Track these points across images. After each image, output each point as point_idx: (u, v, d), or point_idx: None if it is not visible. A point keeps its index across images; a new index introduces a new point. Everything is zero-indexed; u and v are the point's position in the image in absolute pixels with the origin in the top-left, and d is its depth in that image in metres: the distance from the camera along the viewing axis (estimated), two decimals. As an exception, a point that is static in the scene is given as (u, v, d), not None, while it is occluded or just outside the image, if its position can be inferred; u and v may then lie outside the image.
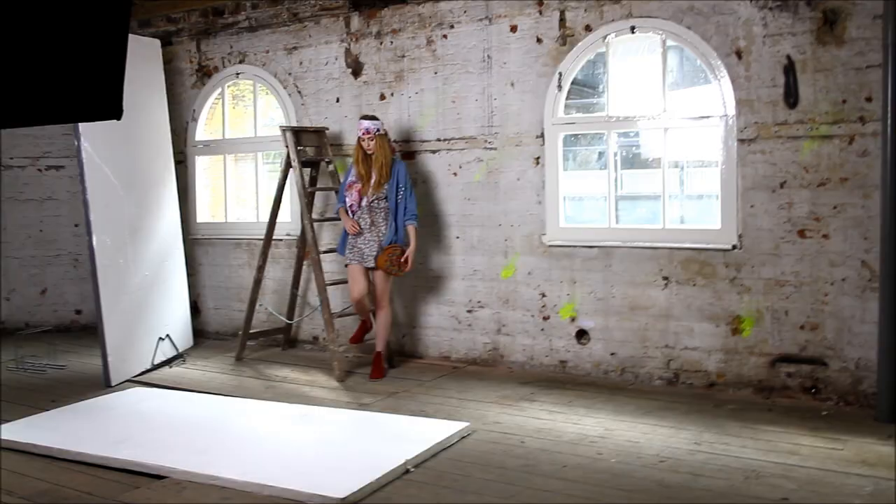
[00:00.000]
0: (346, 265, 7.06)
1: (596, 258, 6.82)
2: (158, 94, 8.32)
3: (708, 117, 6.36)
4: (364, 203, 6.90)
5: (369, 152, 6.87)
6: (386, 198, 6.89)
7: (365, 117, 6.97)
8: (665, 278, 6.55)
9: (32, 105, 2.51)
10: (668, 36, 6.48)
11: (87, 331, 9.33)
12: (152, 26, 9.10)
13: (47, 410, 6.18)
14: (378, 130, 6.87)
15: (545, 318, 7.07)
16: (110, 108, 2.62)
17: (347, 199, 6.95)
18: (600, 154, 7.54)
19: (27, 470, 5.00)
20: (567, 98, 6.97)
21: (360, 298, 6.96)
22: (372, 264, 6.88)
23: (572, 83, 6.96)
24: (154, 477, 4.82)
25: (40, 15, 2.43)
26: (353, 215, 6.93)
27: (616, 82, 6.81)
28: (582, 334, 6.94)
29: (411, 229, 6.93)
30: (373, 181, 6.86)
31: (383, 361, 7.11)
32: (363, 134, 6.87)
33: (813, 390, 6.05)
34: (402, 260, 6.86)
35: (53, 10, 2.44)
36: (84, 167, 6.99)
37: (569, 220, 7.15)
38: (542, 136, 7.00)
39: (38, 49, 2.45)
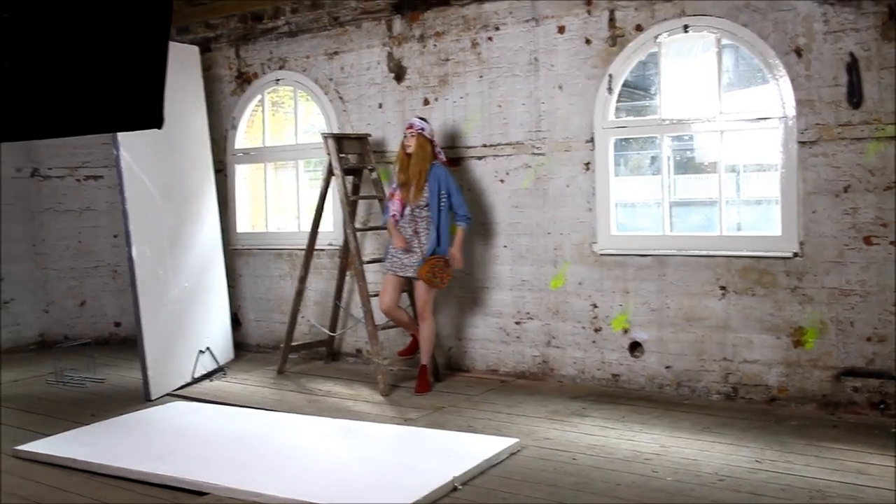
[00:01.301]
0: (383, 273, 7.10)
1: (649, 267, 6.77)
2: (197, 101, 8.43)
3: (766, 119, 6.29)
4: (406, 212, 6.92)
5: (408, 151, 6.90)
6: (427, 205, 6.90)
7: (419, 117, 7.03)
8: (722, 288, 6.49)
9: (73, 115, 2.56)
10: (722, 34, 6.43)
11: (127, 343, 9.46)
12: (191, 32, 9.22)
13: (87, 425, 6.26)
14: (422, 130, 6.89)
15: (597, 330, 7.03)
16: (151, 117, 2.66)
17: (391, 209, 6.97)
18: (653, 158, 7.51)
19: (66, 485, 5.08)
20: (618, 101, 6.94)
21: (386, 310, 7.01)
22: (411, 274, 6.90)
23: (623, 85, 6.93)
24: (195, 493, 4.87)
25: (80, 24, 2.47)
26: (397, 225, 6.96)
27: (669, 84, 6.77)
28: (635, 347, 6.89)
29: (459, 230, 6.95)
30: (412, 188, 6.89)
31: (429, 375, 7.12)
32: (406, 129, 6.92)
33: (881, 405, 5.94)
34: (446, 269, 6.87)
35: (93, 18, 2.49)
36: (123, 177, 7.10)
37: (621, 227, 7.11)
38: (591, 140, 6.98)
39: (79, 58, 2.50)
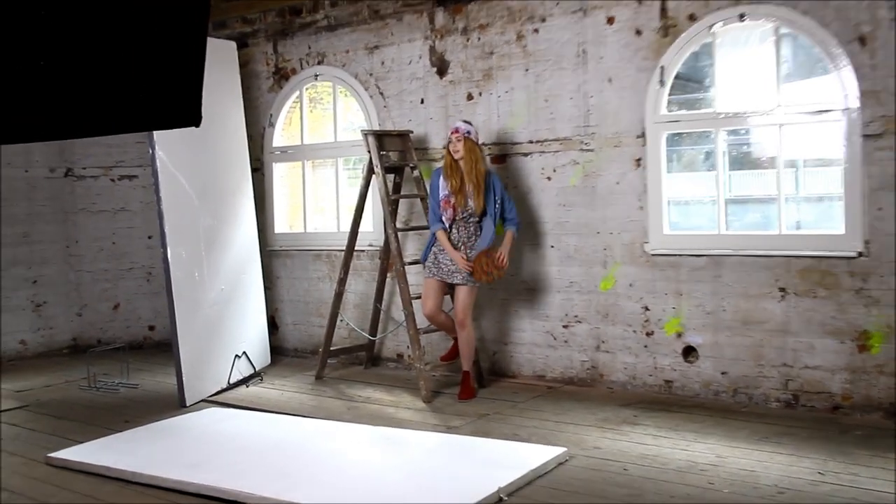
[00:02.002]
0: (425, 277, 7.12)
1: (704, 268, 6.72)
2: (234, 98, 8.51)
3: (828, 111, 6.21)
4: (457, 218, 6.94)
5: (456, 156, 6.90)
6: (483, 213, 6.91)
7: (464, 121, 7.06)
8: (782, 290, 6.42)
9: (110, 114, 2.60)
10: (781, 23, 6.36)
11: (161, 348, 9.57)
12: (227, 28, 9.31)
13: (120, 431, 6.34)
14: (469, 133, 6.90)
15: (649, 334, 7.00)
16: (189, 115, 2.69)
17: (443, 217, 6.96)
18: (707, 154, 7.45)
19: (99, 493, 5.14)
20: (670, 94, 6.90)
21: (430, 315, 7.02)
22: (458, 280, 6.89)
23: (675, 78, 6.88)
24: (232, 503, 4.91)
25: (118, 21, 2.51)
26: (449, 236, 6.98)
27: (724, 75, 6.71)
28: (689, 351, 6.84)
29: (509, 234, 6.97)
30: (468, 191, 6.88)
31: (472, 381, 7.12)
32: (452, 133, 6.91)
33: (952, 414, 5.84)
34: (498, 260, 6.87)
35: (131, 15, 2.52)
36: (158, 176, 7.19)
37: (674, 226, 7.06)
38: (643, 135, 6.94)
39: (116, 56, 2.53)
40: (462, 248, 6.92)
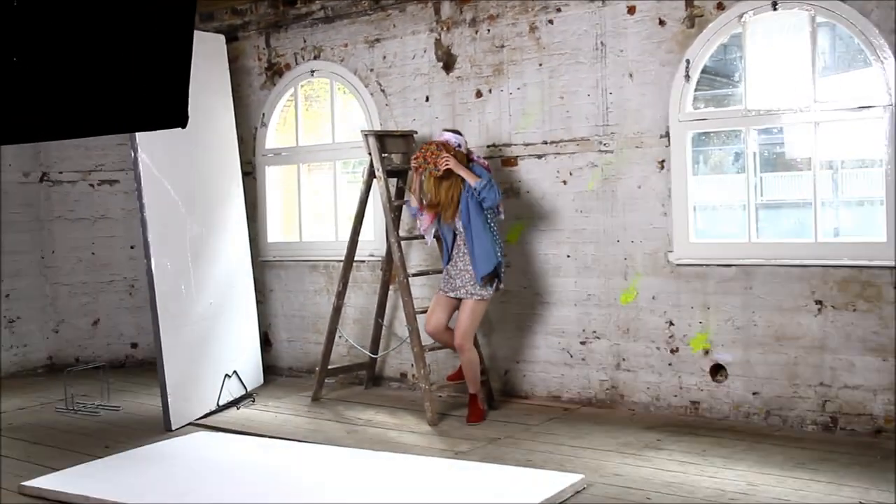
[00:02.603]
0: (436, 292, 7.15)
1: (733, 279, 6.73)
2: (223, 96, 8.54)
3: (868, 108, 6.23)
4: (443, 228, 6.98)
5: (439, 174, 6.85)
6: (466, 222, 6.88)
7: (448, 129, 7.11)
8: (818, 302, 6.43)
9: (90, 114, 2.61)
10: (817, 11, 6.38)
11: (145, 367, 9.59)
12: (215, 20, 9.35)
13: (101, 458, 6.35)
14: (459, 146, 6.91)
15: (673, 351, 7.00)
16: (175, 115, 2.70)
17: (420, 222, 7.05)
18: (737, 155, 7.46)
19: (81, 525, 5.17)
20: (696, 90, 6.91)
21: (433, 332, 7.04)
22: (461, 294, 6.90)
23: (702, 72, 6.90)
24: (222, 535, 4.93)
25: (98, 15, 2.52)
26: (445, 243, 7.00)
27: (755, 69, 6.73)
28: (718, 370, 6.84)
29: (474, 176, 6.77)
30: (447, 210, 6.91)
31: (481, 402, 7.13)
32: (440, 144, 6.89)
33: None
34: (441, 160, 6.77)
35: (112, 8, 2.54)
36: (141, 181, 7.22)
37: (700, 234, 7.07)
38: (666, 135, 6.96)
39: (96, 52, 2.55)
40: (463, 257, 6.89)
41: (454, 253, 6.96)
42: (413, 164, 6.95)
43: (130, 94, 2.70)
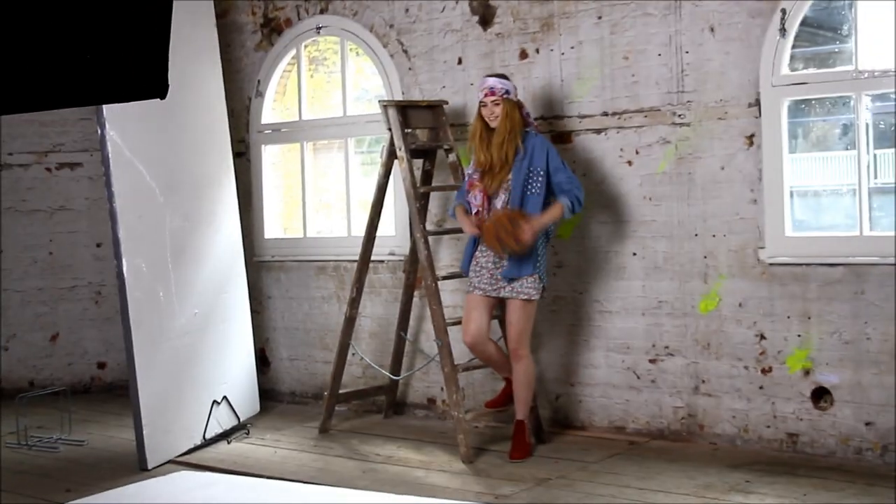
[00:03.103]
0: (467, 292, 7.18)
1: (841, 281, 6.72)
2: (210, 60, 8.57)
3: None
4: (499, 205, 6.99)
5: (492, 123, 6.97)
6: (511, 192, 6.94)
7: (491, 75, 7.11)
8: (946, 310, 6.42)
9: (51, 83, 2.63)
10: (944, -49, 6.36)
11: (115, 392, 9.67)
12: (199, -35, 9.42)
13: None
14: (507, 93, 6.97)
15: (765, 371, 7.00)
16: (152, 83, 2.72)
17: (473, 202, 7.03)
18: (845, 128, 7.45)
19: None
20: (794, 46, 6.90)
21: (473, 343, 7.05)
22: (506, 293, 6.93)
23: (802, 24, 6.89)
24: None
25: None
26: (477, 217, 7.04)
27: (868, 21, 6.70)
28: (821, 394, 6.83)
29: (557, 206, 6.88)
30: (498, 174, 6.95)
31: (528, 434, 7.17)
32: (486, 94, 6.96)
33: None
34: (519, 231, 6.73)
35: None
36: (110, 164, 7.25)
37: (798, 225, 7.06)
38: (756, 103, 6.95)
39: (60, 11, 2.57)
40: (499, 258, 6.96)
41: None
42: (485, 242, 6.90)
43: (98, 58, 2.71)
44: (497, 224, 6.79)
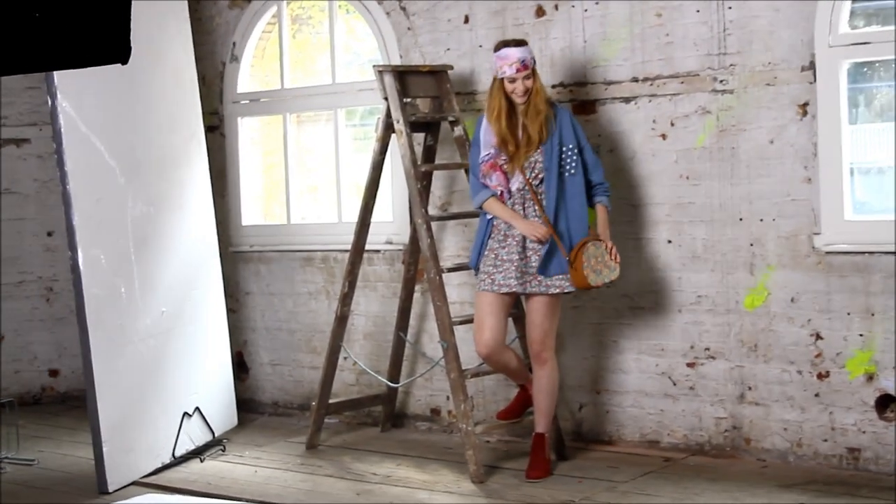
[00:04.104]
0: (478, 291, 7.17)
1: (908, 273, 6.72)
2: (178, 19, 8.55)
3: None
4: (515, 188, 6.97)
5: (519, 100, 6.95)
6: (545, 173, 6.95)
7: (508, 43, 7.06)
8: None
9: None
10: None
11: (69, 403, 9.69)
12: None
13: (11, 532, 6.46)
14: (534, 62, 6.96)
15: (822, 377, 7.00)
16: (111, 46, 2.71)
17: (491, 184, 7.01)
18: (914, 94, 7.43)
19: None
20: (854, 1, 6.89)
21: (488, 354, 7.00)
22: (533, 287, 6.91)
23: (862, -24, 6.90)
24: None
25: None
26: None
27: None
28: (886, 403, 6.83)
29: (602, 210, 7.02)
30: (524, 152, 6.93)
31: (548, 450, 7.16)
32: (516, 70, 6.88)
33: None
34: (612, 252, 6.87)
35: None
36: (63, 141, 7.23)
37: (860, 208, 7.05)
38: (811, 66, 6.94)
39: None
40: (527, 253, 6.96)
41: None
42: (580, 277, 6.84)
43: (48, 17, 2.70)
44: (587, 256, 6.81)
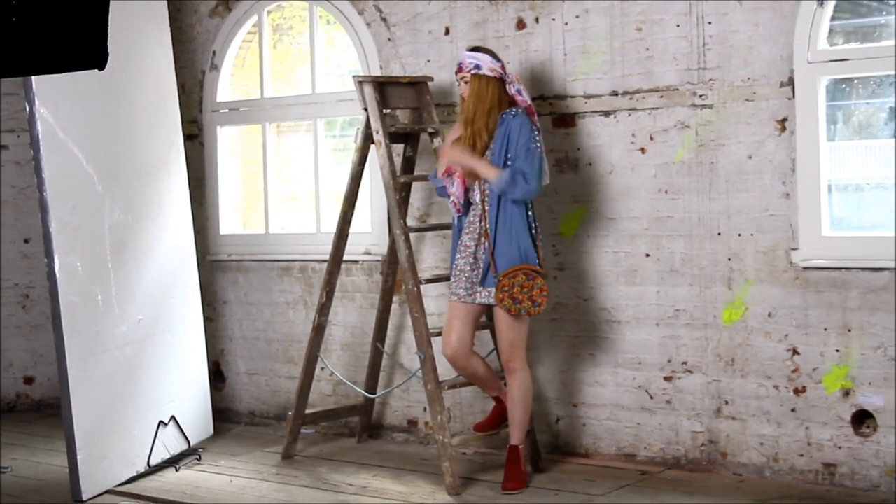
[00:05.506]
0: (449, 299, 7.19)
1: (886, 288, 6.71)
2: (157, 27, 8.54)
3: None
4: (475, 197, 6.99)
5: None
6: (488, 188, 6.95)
7: (471, 48, 7.13)
8: None
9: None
10: None
11: (44, 411, 9.66)
12: (147, -83, 9.39)
13: (-16, 541, 6.42)
14: (478, 67, 6.95)
15: (798, 392, 7.00)
16: (90, 52, 2.70)
17: (449, 188, 7.05)
18: (892, 111, 7.45)
19: None
20: (833, 17, 6.90)
21: (453, 356, 7.03)
22: (484, 299, 6.94)
23: (841, -8, 6.91)
24: None
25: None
26: (459, 220, 7.06)
27: (917, -10, 6.72)
28: (863, 418, 6.83)
29: (491, 168, 6.85)
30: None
31: (523, 462, 7.15)
32: (455, 70, 7.04)
33: None
34: (534, 282, 6.82)
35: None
36: (40, 147, 7.21)
37: (837, 224, 7.06)
38: (790, 82, 6.95)
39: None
40: (483, 244, 6.92)
41: (470, 236, 6.99)
42: (498, 297, 6.82)
43: (26, 22, 2.70)
44: (510, 286, 6.78)
